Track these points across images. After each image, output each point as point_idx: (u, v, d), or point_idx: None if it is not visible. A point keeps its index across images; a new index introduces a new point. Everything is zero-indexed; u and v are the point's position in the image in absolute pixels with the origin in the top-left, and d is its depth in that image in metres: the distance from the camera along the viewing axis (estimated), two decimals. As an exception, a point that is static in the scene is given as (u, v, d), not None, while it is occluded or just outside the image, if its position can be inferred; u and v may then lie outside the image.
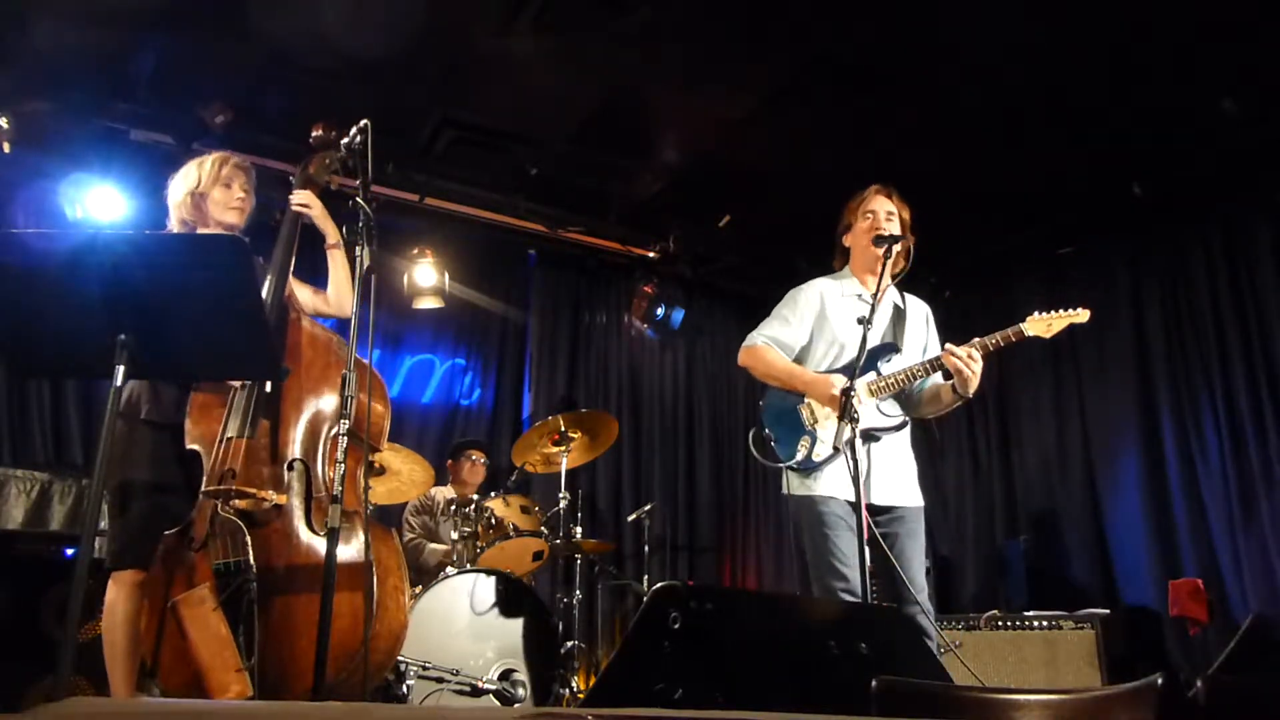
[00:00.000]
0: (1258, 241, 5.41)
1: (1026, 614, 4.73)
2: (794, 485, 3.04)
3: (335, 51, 4.48)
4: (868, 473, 2.99)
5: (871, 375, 3.04)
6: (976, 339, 2.95)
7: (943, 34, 4.41)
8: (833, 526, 2.90)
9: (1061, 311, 2.99)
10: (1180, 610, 5.01)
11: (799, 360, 3.19)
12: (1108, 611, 4.64)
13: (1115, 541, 5.80)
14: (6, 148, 2.89)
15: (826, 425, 2.99)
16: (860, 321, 2.85)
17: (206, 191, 2.92)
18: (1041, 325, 2.97)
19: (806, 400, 3.06)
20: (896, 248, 3.01)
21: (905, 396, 3.16)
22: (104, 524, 3.08)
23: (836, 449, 2.86)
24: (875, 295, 2.92)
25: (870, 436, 3.01)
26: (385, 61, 4.56)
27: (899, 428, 3.07)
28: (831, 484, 2.96)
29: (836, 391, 2.88)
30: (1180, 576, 5.24)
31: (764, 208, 6.07)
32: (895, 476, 3.05)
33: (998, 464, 6.58)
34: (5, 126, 2.85)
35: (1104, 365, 6.06)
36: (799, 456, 3.00)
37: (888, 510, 3.00)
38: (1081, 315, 2.98)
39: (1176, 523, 5.51)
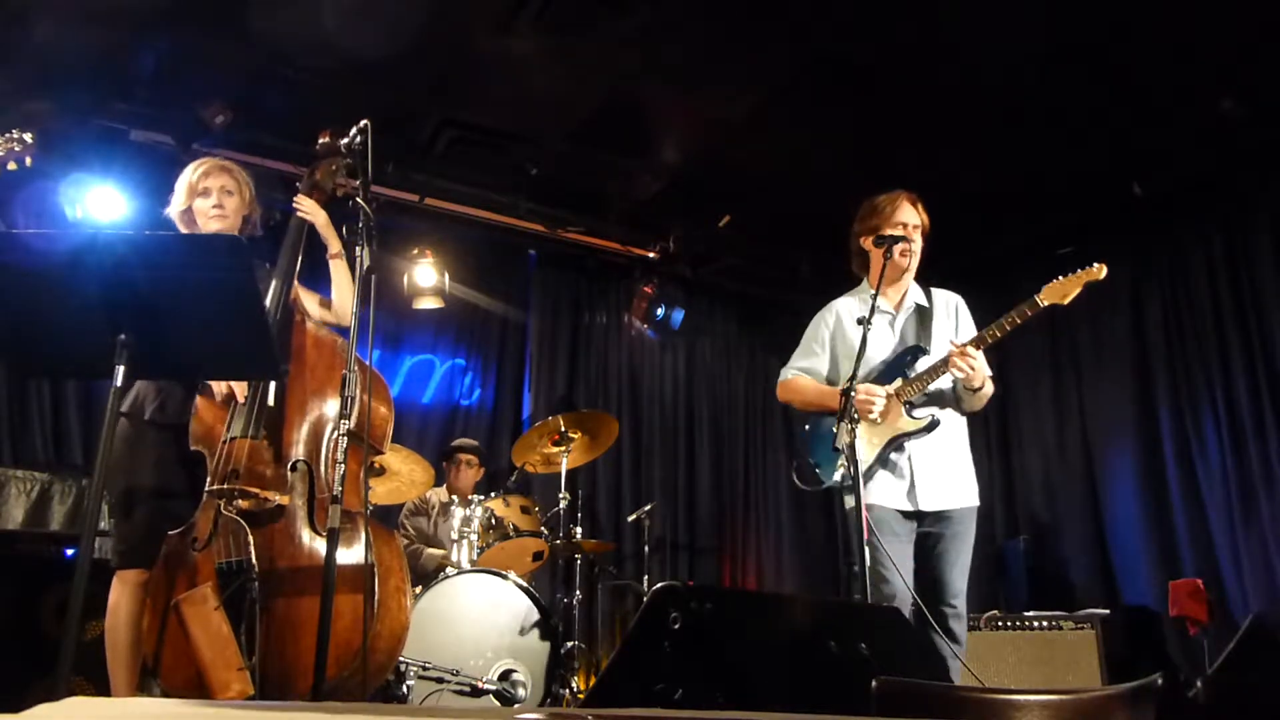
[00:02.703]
0: (1258, 241, 5.40)
1: (1026, 614, 4.73)
2: (847, 500, 3.04)
3: (335, 51, 4.48)
4: (911, 478, 2.99)
5: (899, 381, 3.04)
6: (992, 323, 2.92)
7: (943, 34, 4.41)
8: (876, 534, 2.90)
9: (1076, 272, 2.89)
10: (1180, 610, 5.00)
11: (831, 383, 3.22)
12: (1108, 611, 4.64)
13: (1115, 541, 5.80)
14: (29, 161, 2.87)
15: (859, 440, 3.00)
16: (860, 322, 2.86)
17: (189, 206, 2.95)
18: (1057, 292, 2.89)
19: (839, 421, 3.07)
20: (898, 247, 3.01)
21: (945, 396, 3.10)
22: (104, 524, 3.09)
23: (837, 449, 2.84)
24: (874, 295, 2.92)
25: (897, 444, 3.01)
26: (385, 61, 4.56)
27: (929, 429, 3.01)
28: (876, 492, 2.98)
29: (863, 397, 2.90)
30: (1180, 576, 5.23)
31: (764, 208, 6.07)
32: (942, 479, 3.01)
33: (998, 464, 6.58)
34: (29, 141, 2.83)
35: (1104, 365, 6.06)
36: (837, 476, 2.98)
37: (936, 515, 2.99)
38: (1098, 271, 2.88)
39: (1176, 523, 5.50)
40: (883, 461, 3.01)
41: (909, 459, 3.01)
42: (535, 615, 3.92)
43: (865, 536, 2.70)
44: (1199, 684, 1.23)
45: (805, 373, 3.24)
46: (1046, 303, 2.90)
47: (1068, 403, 6.23)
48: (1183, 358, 5.68)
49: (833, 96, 4.90)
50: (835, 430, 3.04)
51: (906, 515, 2.98)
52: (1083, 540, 5.95)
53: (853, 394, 2.75)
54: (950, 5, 4.22)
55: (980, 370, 2.92)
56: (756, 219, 6.24)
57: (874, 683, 1.39)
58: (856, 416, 2.75)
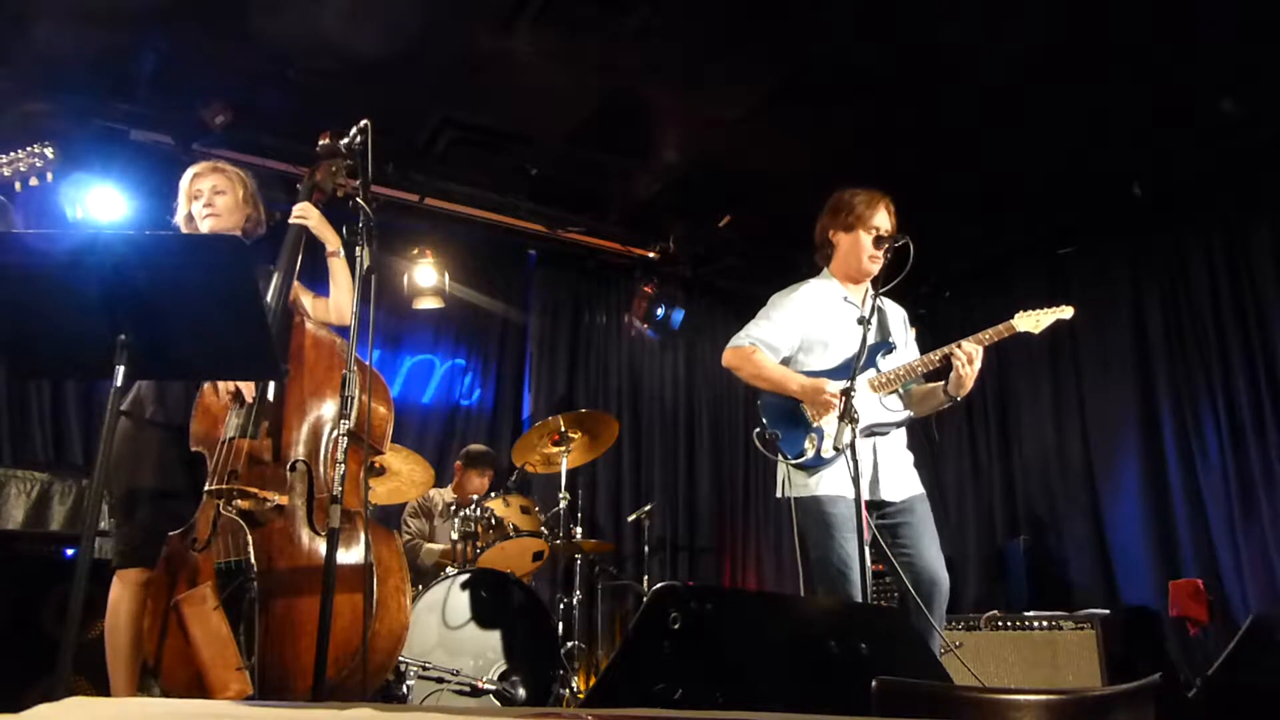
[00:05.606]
0: (1258, 241, 5.41)
1: (1026, 614, 4.72)
2: (795, 486, 2.99)
3: (335, 51, 4.48)
4: (875, 469, 2.98)
5: (871, 372, 3.03)
6: (964, 339, 2.94)
7: (943, 34, 4.41)
8: (840, 529, 2.87)
9: (1049, 308, 3.03)
10: (1180, 610, 5.00)
11: (785, 363, 3.16)
12: (1108, 611, 4.63)
13: (1115, 541, 5.80)
14: (50, 177, 2.89)
15: (831, 421, 2.98)
16: (860, 322, 2.86)
17: (189, 210, 2.98)
18: (1030, 321, 3.00)
19: (840, 420, 3.05)
20: (880, 252, 3.06)
21: (901, 395, 3.15)
22: (105, 524, 3.09)
23: (838, 449, 2.84)
24: (876, 295, 2.93)
25: (876, 432, 3.01)
26: (385, 61, 4.56)
27: (904, 422, 3.08)
28: (835, 483, 2.92)
29: (829, 394, 2.88)
30: (1180, 576, 5.24)
31: (764, 208, 6.07)
32: (902, 470, 3.06)
33: (998, 464, 6.58)
34: (50, 156, 2.84)
35: (1104, 365, 6.06)
36: (808, 454, 2.97)
37: (896, 503, 3.00)
38: (1066, 311, 3.02)
39: (1176, 523, 5.51)
40: (849, 449, 2.95)
41: (874, 449, 3.00)
42: (535, 615, 3.91)
43: (867, 537, 2.69)
44: (1199, 684, 1.23)
45: (763, 344, 3.12)
46: (1021, 328, 2.99)
47: (1068, 402, 6.23)
48: (1183, 357, 5.68)
49: (833, 96, 4.90)
50: (803, 408, 3.02)
51: (856, 508, 2.87)
52: (1083, 540, 5.95)
53: (853, 393, 2.74)
54: (950, 5, 4.22)
55: (973, 376, 2.93)
56: (756, 219, 6.24)
57: (874, 683, 1.39)
58: (857, 416, 2.73)
